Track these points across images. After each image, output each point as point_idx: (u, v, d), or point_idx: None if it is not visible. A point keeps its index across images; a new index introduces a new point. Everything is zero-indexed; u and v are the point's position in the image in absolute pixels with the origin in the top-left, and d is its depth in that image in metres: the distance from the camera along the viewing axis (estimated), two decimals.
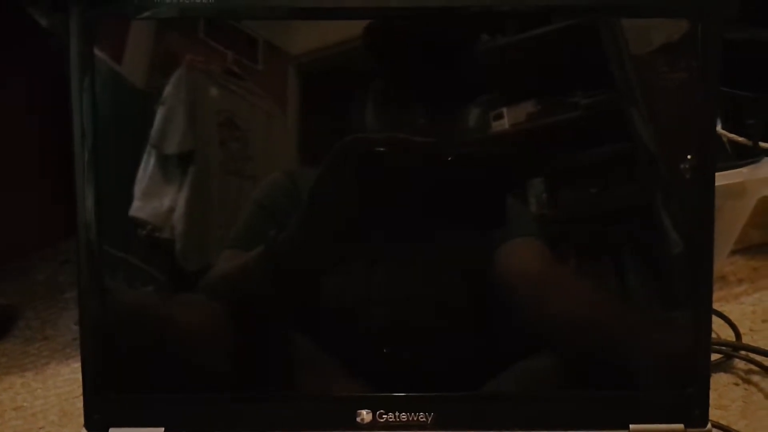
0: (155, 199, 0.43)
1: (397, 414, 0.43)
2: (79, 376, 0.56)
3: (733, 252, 0.67)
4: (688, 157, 0.42)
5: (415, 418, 0.43)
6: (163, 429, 0.43)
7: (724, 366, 0.57)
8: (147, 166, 0.43)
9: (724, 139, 0.62)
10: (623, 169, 0.44)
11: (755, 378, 0.57)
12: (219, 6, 0.41)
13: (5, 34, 0.63)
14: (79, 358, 0.58)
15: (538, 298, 0.45)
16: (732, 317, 0.60)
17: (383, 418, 0.43)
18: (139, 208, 0.43)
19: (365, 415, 0.43)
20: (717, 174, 0.42)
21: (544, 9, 0.41)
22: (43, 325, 0.67)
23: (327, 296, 0.44)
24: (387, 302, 0.44)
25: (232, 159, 0.43)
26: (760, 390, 0.56)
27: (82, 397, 0.54)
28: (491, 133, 0.42)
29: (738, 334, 0.59)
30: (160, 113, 0.42)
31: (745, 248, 0.70)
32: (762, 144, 0.62)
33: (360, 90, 0.42)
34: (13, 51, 0.69)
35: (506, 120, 0.42)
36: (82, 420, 0.52)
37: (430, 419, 0.43)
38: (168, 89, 0.42)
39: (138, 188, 0.43)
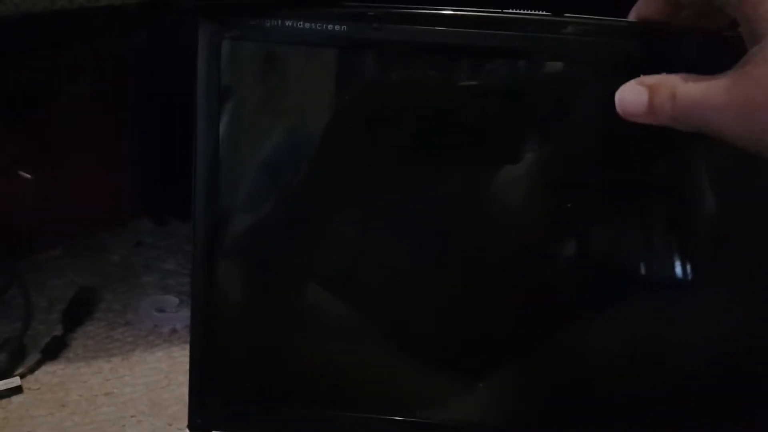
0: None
1: None
2: (164, 365, 0.59)
3: None
4: None
5: None
6: None
7: None
8: None
9: None
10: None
11: None
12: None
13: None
14: (163, 346, 0.62)
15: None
16: None
17: None
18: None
19: None
20: None
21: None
22: (123, 309, 0.67)
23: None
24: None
25: None
26: None
27: (168, 388, 0.57)
28: None
29: None
30: None
31: None
32: None
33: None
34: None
35: None
36: (170, 411, 0.54)
37: None
38: None
39: None
